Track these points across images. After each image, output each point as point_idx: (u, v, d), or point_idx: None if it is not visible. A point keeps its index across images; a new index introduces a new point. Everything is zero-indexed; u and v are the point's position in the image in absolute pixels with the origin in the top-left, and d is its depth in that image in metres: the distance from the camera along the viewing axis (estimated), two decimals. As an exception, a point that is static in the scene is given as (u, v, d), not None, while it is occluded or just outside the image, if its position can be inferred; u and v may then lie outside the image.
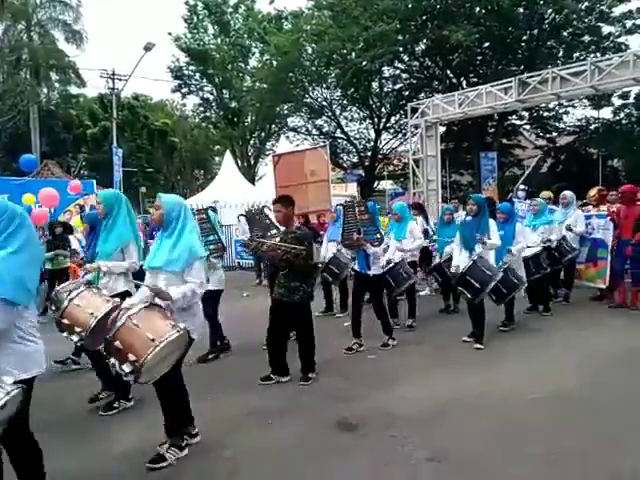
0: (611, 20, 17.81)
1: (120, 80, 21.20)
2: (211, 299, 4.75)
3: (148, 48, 17.50)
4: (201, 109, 31.67)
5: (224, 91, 29.54)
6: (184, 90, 30.21)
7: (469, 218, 5.22)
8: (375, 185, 27.42)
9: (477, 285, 4.88)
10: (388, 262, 5.57)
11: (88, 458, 3.11)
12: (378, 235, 4.88)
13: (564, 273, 7.10)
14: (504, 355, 4.89)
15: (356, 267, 5.20)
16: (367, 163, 26.29)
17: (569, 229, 6.73)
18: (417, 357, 4.98)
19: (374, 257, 4.98)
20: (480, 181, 18.99)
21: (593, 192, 7.77)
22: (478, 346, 5.05)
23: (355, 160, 27.41)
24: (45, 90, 25.95)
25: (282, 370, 4.34)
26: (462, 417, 3.52)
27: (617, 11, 17.76)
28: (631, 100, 20.34)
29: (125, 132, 28.47)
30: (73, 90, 29.16)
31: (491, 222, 5.16)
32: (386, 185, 27.27)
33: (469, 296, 5.00)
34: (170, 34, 27.92)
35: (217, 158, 36.35)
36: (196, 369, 4.71)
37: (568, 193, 7.11)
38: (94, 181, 14.06)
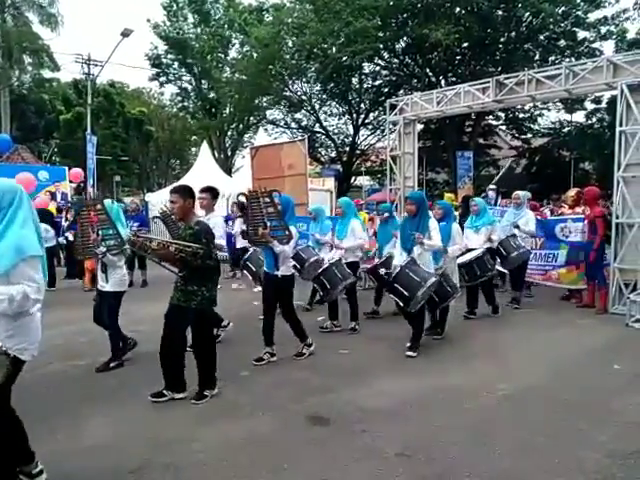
0: (586, 26, 18.24)
1: (96, 66, 20.70)
2: (110, 302, 4.46)
3: (125, 34, 17.08)
4: (179, 99, 31.20)
5: (203, 81, 29.13)
6: (162, 79, 29.72)
7: (406, 217, 4.93)
8: (352, 180, 27.51)
9: (405, 292, 4.48)
10: (318, 261, 5.47)
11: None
12: (286, 232, 4.32)
13: (515, 274, 6.85)
14: (474, 352, 4.97)
15: (264, 267, 4.72)
16: (345, 158, 26.35)
17: (516, 226, 6.57)
18: (388, 352, 5.00)
19: (283, 256, 4.48)
20: (456, 180, 19.27)
21: (572, 193, 7.65)
22: (409, 354, 4.70)
23: (333, 155, 27.44)
24: (17, 73, 25.12)
25: (177, 385, 3.80)
26: (432, 412, 3.57)
27: (592, 17, 18.21)
28: (603, 105, 20.90)
29: (100, 119, 27.81)
30: (46, 74, 28.40)
31: (432, 221, 4.81)
32: (363, 181, 27.41)
33: (401, 304, 4.64)
34: (149, 21, 27.39)
35: (194, 149, 35.92)
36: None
37: (521, 193, 7.04)
38: (66, 168, 13.71)
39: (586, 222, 6.71)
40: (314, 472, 2.82)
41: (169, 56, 28.75)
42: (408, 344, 4.80)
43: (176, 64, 29.17)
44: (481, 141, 23.54)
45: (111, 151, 28.44)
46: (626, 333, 5.62)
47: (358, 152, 26.71)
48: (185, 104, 31.24)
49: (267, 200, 4.26)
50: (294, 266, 6.38)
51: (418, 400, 3.77)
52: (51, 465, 2.87)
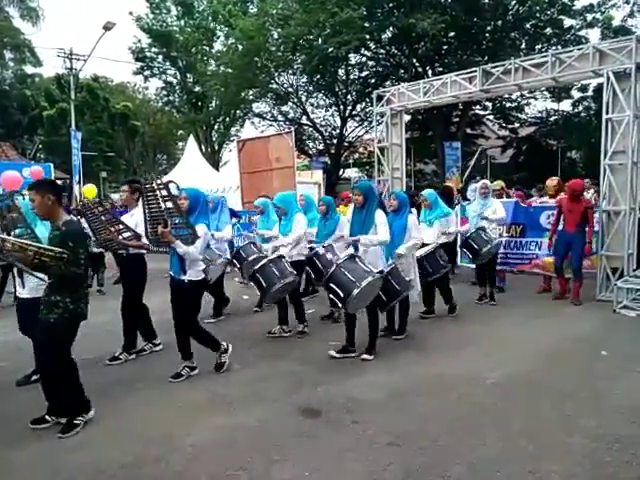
0: (572, 13, 18.26)
1: (78, 60, 20.38)
2: (27, 309, 3.83)
3: (108, 27, 16.84)
4: (164, 93, 30.75)
5: (188, 75, 28.75)
6: (146, 73, 29.23)
7: (354, 209, 4.61)
8: (341, 173, 27.45)
9: (340, 292, 4.17)
10: (258, 259, 5.12)
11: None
12: (190, 230, 3.82)
13: (485, 269, 6.57)
14: (462, 342, 4.99)
15: (170, 271, 4.11)
16: (333, 150, 26.26)
17: (484, 218, 6.34)
18: (378, 343, 4.99)
19: (189, 258, 3.91)
20: (444, 170, 19.31)
21: (554, 182, 7.55)
22: (365, 357, 4.48)
23: (321, 147, 27.33)
24: (-1, 69, 24.65)
25: (60, 410, 3.36)
26: (422, 401, 3.59)
27: (578, 4, 18.23)
28: (590, 93, 21.02)
29: (84, 115, 27.40)
30: (28, 69, 27.91)
31: (379, 214, 4.45)
32: (352, 173, 27.36)
33: (339, 304, 4.31)
34: (131, 14, 26.92)
35: (180, 143, 35.55)
36: (156, 355, 4.65)
37: (488, 182, 6.90)
38: (51, 165, 13.50)
39: (566, 212, 6.46)
40: (305, 463, 2.82)
41: (153, 49, 28.29)
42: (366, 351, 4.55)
43: (160, 57, 28.73)
44: (469, 131, 23.59)
45: (97, 147, 28.07)
46: (613, 319, 5.69)
47: (346, 144, 26.63)
48: (170, 98, 30.83)
49: (164, 193, 3.75)
50: (234, 265, 6.02)
51: (408, 390, 3.79)
52: (42, 461, 2.86)
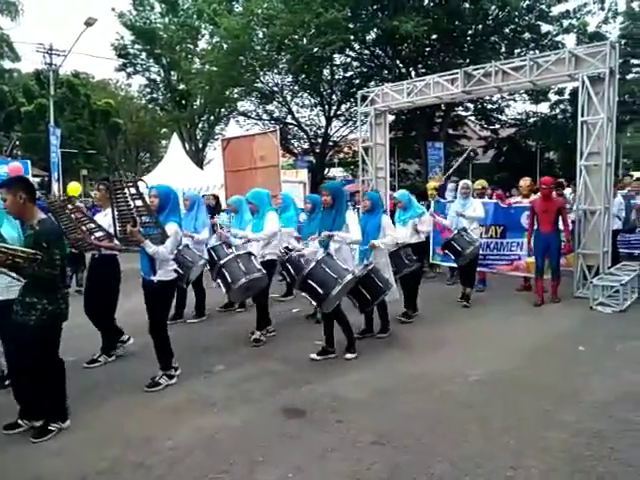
0: (549, 19, 18.65)
1: (59, 56, 20.04)
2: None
3: (89, 23, 16.60)
4: (147, 90, 30.32)
5: (172, 72, 28.42)
6: (129, 70, 28.79)
7: (323, 209, 4.56)
8: (326, 172, 27.48)
9: (319, 290, 4.06)
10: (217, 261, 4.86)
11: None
12: (160, 229, 3.73)
13: (466, 269, 6.51)
14: (444, 340, 5.05)
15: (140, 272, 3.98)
16: (318, 150, 26.26)
17: (461, 215, 6.35)
18: (361, 341, 5.01)
19: (159, 258, 3.80)
20: (427, 170, 19.48)
21: (527, 182, 7.53)
22: (348, 356, 4.46)
23: (306, 146, 27.30)
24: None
25: (33, 412, 3.28)
26: (406, 399, 3.62)
27: (555, 10, 18.62)
28: (566, 96, 21.44)
29: (64, 111, 26.92)
30: (6, 64, 27.24)
31: (350, 214, 4.47)
32: (337, 172, 27.41)
33: (314, 303, 4.23)
34: (114, 10, 26.49)
35: (164, 141, 35.15)
36: (136, 356, 4.60)
37: (469, 182, 6.89)
38: (29, 162, 13.25)
39: (540, 213, 6.39)
40: (289, 464, 2.83)
41: (136, 46, 27.86)
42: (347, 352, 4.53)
43: (144, 55, 28.32)
44: (451, 132, 23.83)
45: (77, 144, 27.58)
46: (590, 316, 5.82)
47: (331, 144, 26.65)
48: (154, 96, 30.42)
49: (133, 191, 3.64)
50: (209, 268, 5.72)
51: (391, 389, 3.82)
52: (19, 466, 2.81)
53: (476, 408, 3.47)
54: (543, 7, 18.09)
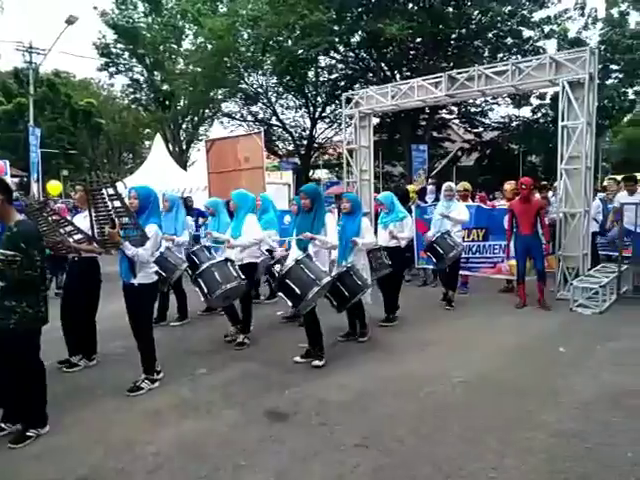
0: (531, 25, 18.97)
1: (39, 54, 19.70)
2: None
3: (70, 22, 16.38)
4: (130, 90, 30.00)
5: (155, 73, 28.17)
6: (112, 69, 28.45)
7: (301, 212, 4.53)
8: (310, 174, 27.50)
9: (297, 291, 4.03)
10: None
11: None
12: (139, 231, 3.66)
13: (448, 272, 6.56)
14: (428, 341, 5.08)
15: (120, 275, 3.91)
16: (303, 151, 26.28)
17: (445, 216, 6.34)
18: (345, 344, 5.05)
19: (139, 261, 3.75)
20: (411, 172, 19.62)
21: (512, 186, 7.35)
22: (316, 363, 4.34)
23: (291, 148, 27.30)
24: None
25: (14, 415, 3.25)
26: (389, 402, 3.64)
27: (536, 16, 18.96)
28: (547, 101, 21.81)
29: (44, 111, 26.45)
30: (-17, 63, 26.67)
31: (329, 217, 4.43)
32: (321, 174, 27.45)
33: (290, 304, 4.19)
34: (96, 8, 26.16)
35: (147, 142, 34.78)
36: (118, 361, 4.53)
37: (452, 185, 6.86)
38: (7, 162, 13.01)
39: (519, 215, 6.34)
40: (273, 468, 2.81)
41: (119, 46, 27.55)
42: (309, 359, 4.45)
43: (126, 54, 28.01)
44: (435, 134, 24.06)
45: (58, 144, 27.12)
46: (570, 317, 5.92)
47: (316, 145, 26.70)
48: (137, 96, 30.11)
49: (112, 192, 3.54)
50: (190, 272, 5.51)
51: (376, 390, 3.83)
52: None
53: (459, 409, 3.49)
54: (525, 13, 18.41)
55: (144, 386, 3.91)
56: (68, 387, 4.00)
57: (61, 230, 4.04)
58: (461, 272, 7.15)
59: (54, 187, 9.57)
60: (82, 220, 4.32)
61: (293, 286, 4.05)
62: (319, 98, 24.51)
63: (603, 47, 18.94)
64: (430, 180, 9.47)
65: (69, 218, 4.57)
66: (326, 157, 27.78)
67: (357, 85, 20.62)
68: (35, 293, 3.10)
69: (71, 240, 4.08)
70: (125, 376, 4.05)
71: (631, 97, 21.80)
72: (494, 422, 3.28)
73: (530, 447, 2.97)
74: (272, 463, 2.86)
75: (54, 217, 4.08)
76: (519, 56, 18.19)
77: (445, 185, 6.80)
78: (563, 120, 6.80)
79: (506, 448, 2.96)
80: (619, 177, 9.25)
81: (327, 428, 3.25)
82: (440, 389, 3.84)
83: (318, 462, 2.87)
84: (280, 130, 26.45)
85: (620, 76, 20.66)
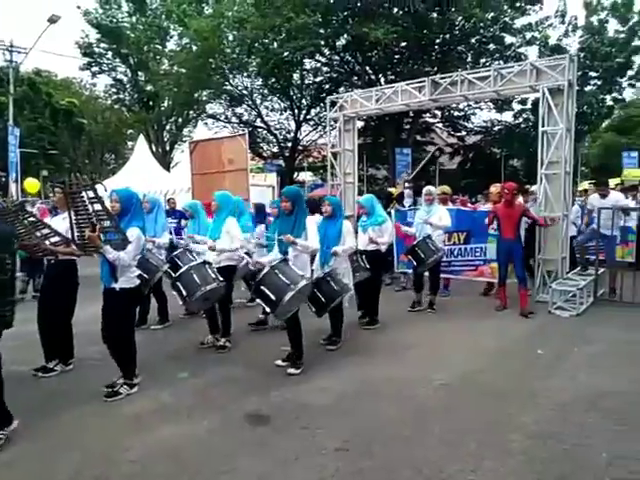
0: (513, 31, 19.30)
1: (19, 53, 19.36)
2: None
3: (53, 20, 16.17)
4: (113, 90, 29.62)
5: (139, 73, 27.88)
6: (94, 69, 28.08)
7: (282, 215, 4.50)
8: (295, 176, 27.48)
9: (272, 296, 3.98)
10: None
11: None
12: (121, 234, 3.60)
13: (430, 275, 6.62)
14: (409, 344, 5.11)
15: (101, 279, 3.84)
16: (287, 154, 26.26)
17: (428, 223, 6.33)
18: (327, 347, 5.04)
19: (121, 265, 3.68)
20: (395, 176, 19.75)
21: (498, 189, 7.24)
22: (292, 371, 4.27)
23: (275, 150, 27.25)
24: None
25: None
26: (372, 404, 3.65)
27: (518, 23, 19.29)
28: (528, 106, 22.16)
29: (24, 110, 25.97)
30: (-38, 61, 26.07)
31: (309, 220, 4.37)
32: (306, 176, 27.47)
33: (268, 310, 4.16)
34: (79, 7, 25.81)
35: (130, 143, 34.35)
36: (95, 366, 4.46)
37: (432, 189, 6.82)
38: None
39: (502, 219, 6.36)
40: (253, 473, 2.80)
41: (102, 45, 27.19)
42: (288, 362, 4.42)
43: (110, 54, 27.67)
44: (419, 138, 24.27)
45: (38, 144, 26.64)
46: (548, 320, 6.02)
47: (300, 148, 26.70)
48: (120, 96, 29.74)
49: (91, 195, 3.48)
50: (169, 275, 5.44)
51: (356, 394, 3.84)
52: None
53: (440, 412, 3.52)
54: (507, 19, 18.70)
55: (123, 391, 3.86)
56: (44, 392, 3.93)
57: (37, 233, 3.97)
58: (443, 275, 7.21)
59: (31, 185, 9.34)
60: (61, 222, 4.24)
61: (268, 292, 3.99)
62: (304, 101, 24.53)
63: (582, 54, 19.33)
64: (406, 184, 9.44)
65: (49, 219, 4.50)
66: (310, 160, 27.81)
67: (342, 88, 20.69)
68: (2, 296, 3.02)
69: (47, 243, 4.01)
70: (103, 381, 3.99)
71: (609, 103, 22.35)
72: (474, 424, 3.31)
73: (509, 449, 3.01)
74: (253, 468, 2.85)
75: (30, 219, 4.00)
76: (501, 62, 18.49)
77: (425, 189, 6.78)
78: (543, 126, 6.92)
79: (485, 450, 2.99)
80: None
81: (308, 432, 3.25)
82: (421, 392, 3.87)
83: (299, 466, 2.86)
84: (265, 132, 26.39)
85: (599, 83, 21.15)
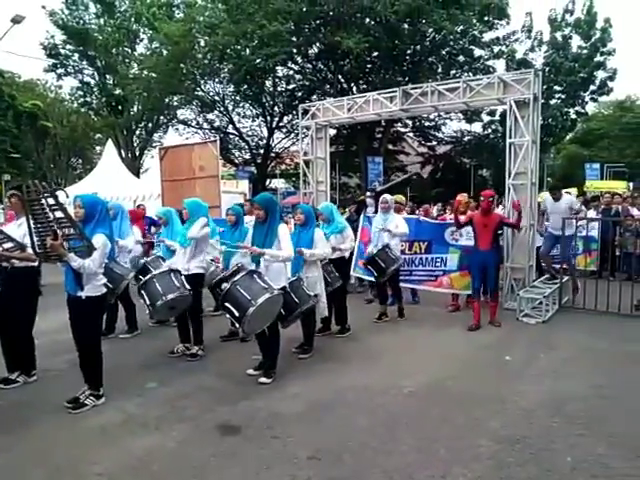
0: (482, 44, 19.92)
1: (-20, 53, 18.70)
2: None
3: (16, 21, 15.65)
4: (80, 93, 28.97)
5: (107, 76, 27.37)
6: (60, 71, 27.42)
7: (255, 223, 4.39)
8: (267, 183, 27.43)
9: (235, 312, 3.93)
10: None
11: None
12: (85, 242, 3.50)
13: (390, 284, 6.55)
14: (378, 352, 5.13)
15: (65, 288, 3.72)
16: (259, 161, 26.23)
17: (387, 230, 6.25)
18: (297, 355, 5.01)
19: (86, 272, 3.57)
20: (367, 184, 19.96)
21: (466, 199, 7.33)
22: (263, 380, 4.22)
23: (247, 157, 27.17)
24: None
25: None
26: (343, 413, 3.65)
27: (487, 37, 19.94)
28: (497, 117, 22.83)
29: (-15, 112, 25.09)
30: None
31: (282, 228, 4.25)
32: (278, 183, 27.45)
33: (237, 325, 4.06)
34: (44, 7, 25.19)
35: (98, 147, 33.60)
36: (60, 377, 4.32)
37: (389, 197, 6.64)
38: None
39: (479, 227, 6.14)
40: (223, 484, 2.76)
41: (68, 47, 26.61)
42: (260, 371, 4.37)
43: (76, 56, 27.10)
44: (390, 147, 24.66)
45: None
46: (516, 327, 6.15)
47: (273, 155, 26.71)
48: (87, 99, 29.09)
49: (52, 202, 3.36)
50: (138, 280, 5.30)
51: (327, 402, 3.83)
52: None
53: (410, 419, 3.55)
54: (475, 33, 19.29)
55: (88, 402, 3.74)
56: (6, 405, 3.79)
57: None
58: (405, 285, 7.19)
59: None
60: (15, 229, 4.08)
61: (232, 308, 3.94)
62: (276, 108, 24.59)
63: (547, 69, 20.08)
64: (368, 193, 9.54)
65: (14, 223, 4.33)
66: (283, 167, 27.83)
67: (314, 96, 20.82)
68: None
69: (0, 249, 3.86)
70: (68, 392, 3.85)
71: (573, 117, 23.25)
72: (443, 430, 3.36)
73: (477, 454, 3.05)
74: (224, 479, 2.80)
75: None
76: (470, 73, 19.04)
77: (381, 197, 6.68)
78: (510, 137, 7.12)
79: (454, 456, 3.03)
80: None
81: (280, 441, 3.22)
82: (391, 399, 3.89)
83: (271, 476, 2.83)
84: (236, 139, 26.31)
85: (563, 97, 21.98)
